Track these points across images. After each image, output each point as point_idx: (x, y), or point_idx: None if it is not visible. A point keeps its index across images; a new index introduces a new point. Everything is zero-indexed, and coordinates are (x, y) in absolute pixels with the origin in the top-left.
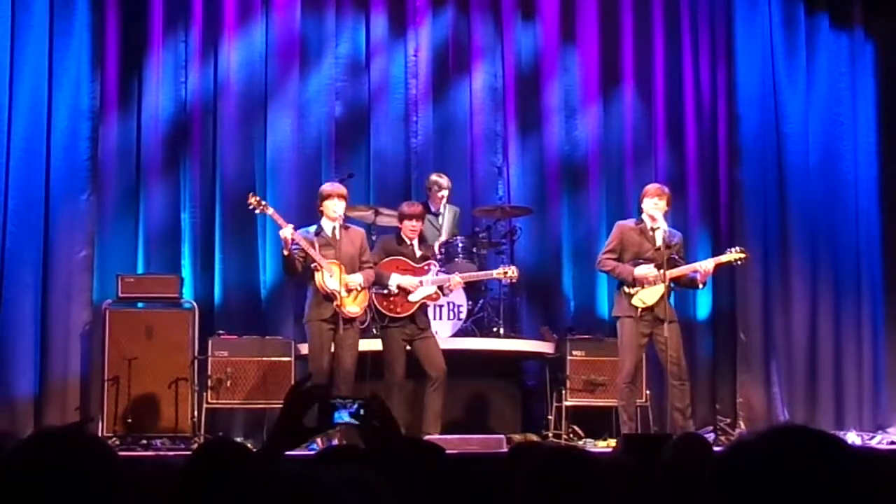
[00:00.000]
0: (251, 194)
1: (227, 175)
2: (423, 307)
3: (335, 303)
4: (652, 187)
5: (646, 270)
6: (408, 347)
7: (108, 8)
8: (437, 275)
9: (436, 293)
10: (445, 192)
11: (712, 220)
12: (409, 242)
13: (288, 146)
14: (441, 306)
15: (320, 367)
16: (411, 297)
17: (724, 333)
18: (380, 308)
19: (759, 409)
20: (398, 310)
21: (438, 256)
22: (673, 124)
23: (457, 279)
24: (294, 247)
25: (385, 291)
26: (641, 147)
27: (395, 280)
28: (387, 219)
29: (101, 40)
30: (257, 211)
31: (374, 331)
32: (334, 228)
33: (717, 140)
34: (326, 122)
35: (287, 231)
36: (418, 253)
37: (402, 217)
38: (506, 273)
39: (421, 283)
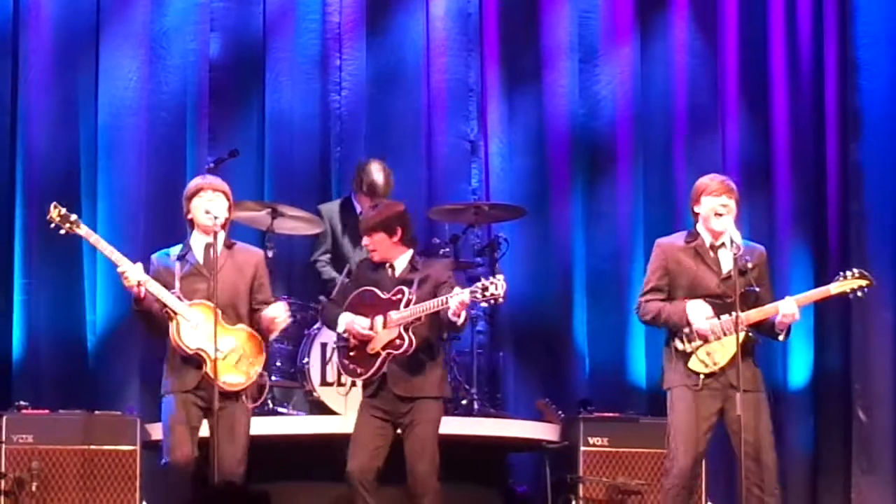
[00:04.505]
0: (53, 205)
1: (35, 154)
2: (405, 364)
3: (203, 368)
4: (713, 181)
5: (704, 323)
6: (398, 431)
7: None
8: (409, 306)
9: (398, 337)
10: (381, 183)
11: (814, 226)
12: (387, 264)
13: (133, 107)
14: None
15: (179, 465)
16: (370, 348)
17: (833, 410)
18: (343, 372)
19: None
20: (359, 370)
21: None
22: (752, 75)
23: (461, 297)
24: (150, 289)
25: (344, 344)
26: (702, 111)
27: (343, 320)
28: (290, 222)
29: None
30: (63, 231)
31: (288, 407)
32: (209, 247)
33: (823, 101)
34: (195, 67)
35: (134, 273)
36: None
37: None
38: (485, 289)
39: (377, 322)
